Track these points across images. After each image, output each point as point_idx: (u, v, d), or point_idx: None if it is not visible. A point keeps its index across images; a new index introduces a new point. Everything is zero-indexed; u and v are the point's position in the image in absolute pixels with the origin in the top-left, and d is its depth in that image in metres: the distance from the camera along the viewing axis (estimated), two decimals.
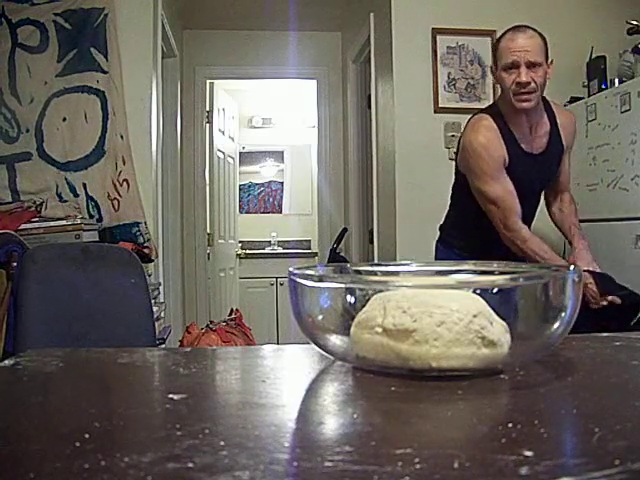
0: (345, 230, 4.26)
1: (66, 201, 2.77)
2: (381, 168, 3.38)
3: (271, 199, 6.10)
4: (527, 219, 2.03)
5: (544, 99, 1.99)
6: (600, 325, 1.76)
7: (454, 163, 2.17)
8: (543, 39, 1.90)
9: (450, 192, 2.26)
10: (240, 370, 0.72)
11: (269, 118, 6.05)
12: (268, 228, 5.88)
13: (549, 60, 1.90)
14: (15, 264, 1.96)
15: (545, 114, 1.98)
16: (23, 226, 2.47)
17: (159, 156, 3.22)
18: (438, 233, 2.31)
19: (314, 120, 4.98)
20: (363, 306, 0.65)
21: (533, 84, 1.85)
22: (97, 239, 2.67)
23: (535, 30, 1.91)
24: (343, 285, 0.68)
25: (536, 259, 1.97)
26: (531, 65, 1.85)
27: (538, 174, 1.99)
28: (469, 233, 2.15)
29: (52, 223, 2.55)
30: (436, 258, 2.21)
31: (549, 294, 0.63)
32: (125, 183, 2.80)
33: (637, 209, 2.76)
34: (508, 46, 1.87)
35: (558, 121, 1.99)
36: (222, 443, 0.42)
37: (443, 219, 2.31)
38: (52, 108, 2.79)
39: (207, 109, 4.59)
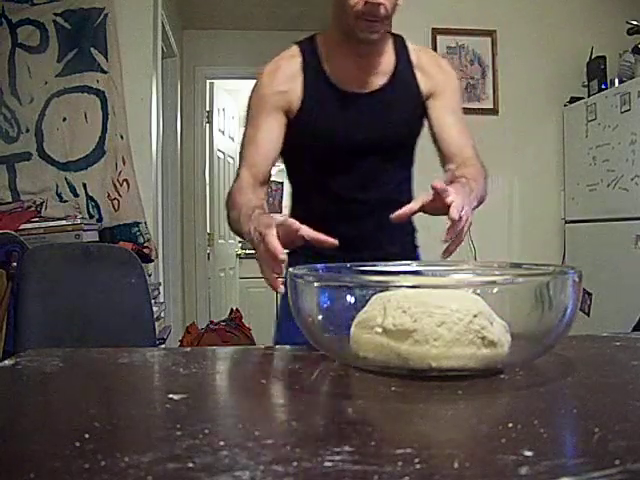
0: None
1: (66, 201, 2.77)
2: None
3: (271, 199, 6.09)
4: (369, 189, 1.39)
5: (394, 36, 1.44)
6: None
7: None
8: None
9: None
10: (240, 370, 0.72)
11: None
12: None
13: None
14: (15, 264, 1.96)
15: (387, 51, 1.40)
16: (23, 226, 2.47)
17: (159, 156, 3.22)
18: None
19: None
20: (363, 306, 0.65)
21: (384, 9, 1.31)
22: (97, 239, 2.67)
23: None
24: (343, 285, 0.68)
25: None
26: None
27: (367, 119, 1.36)
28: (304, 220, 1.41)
29: (52, 223, 2.55)
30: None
31: (549, 294, 0.63)
32: (125, 183, 2.80)
33: (637, 209, 2.76)
34: None
35: (414, 61, 1.41)
36: (222, 443, 0.42)
37: None
38: (52, 108, 2.79)
39: (207, 109, 4.59)
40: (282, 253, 0.95)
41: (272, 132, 1.34)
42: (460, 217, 1.00)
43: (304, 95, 1.34)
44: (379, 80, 1.38)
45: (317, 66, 1.37)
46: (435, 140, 1.41)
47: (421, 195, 1.05)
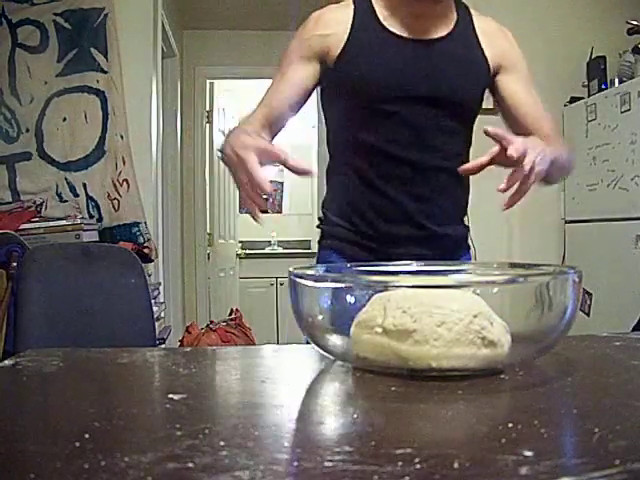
0: None
1: (66, 201, 2.77)
2: None
3: (271, 199, 6.10)
4: (421, 149, 1.22)
5: (457, 2, 1.29)
6: None
7: None
8: None
9: None
10: (240, 370, 0.72)
11: None
12: (268, 228, 5.89)
13: None
14: (15, 264, 1.96)
15: (449, 12, 1.26)
16: (23, 226, 2.47)
17: (159, 156, 3.22)
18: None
19: (314, 120, 4.98)
20: (363, 306, 0.65)
21: None
22: (97, 239, 2.67)
23: None
24: (343, 285, 0.68)
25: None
26: None
27: (423, 66, 1.20)
28: (352, 200, 1.27)
29: (52, 223, 2.55)
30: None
31: (549, 294, 0.63)
32: (125, 183, 2.80)
33: (637, 209, 2.76)
34: None
35: (477, 25, 1.27)
36: (222, 443, 0.42)
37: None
38: (52, 108, 2.79)
39: (207, 109, 4.59)
40: (267, 184, 0.90)
41: (297, 77, 1.21)
42: (522, 158, 0.90)
43: (349, 38, 1.20)
44: (439, 31, 1.23)
45: (370, 13, 1.23)
46: (508, 119, 1.27)
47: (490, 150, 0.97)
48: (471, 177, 1.24)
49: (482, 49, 1.25)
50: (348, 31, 1.20)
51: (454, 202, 1.32)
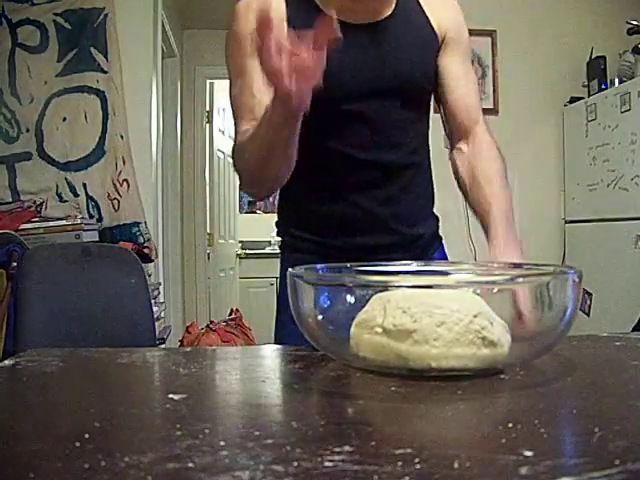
0: None
1: (66, 201, 2.77)
2: None
3: (271, 199, 6.10)
4: (383, 147, 1.13)
5: None
6: None
7: None
8: None
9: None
10: (240, 370, 0.72)
11: None
12: (268, 228, 5.88)
13: None
14: (15, 264, 1.96)
15: None
16: (23, 226, 2.47)
17: (159, 156, 3.22)
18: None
19: None
20: (363, 306, 0.65)
21: None
22: (97, 239, 2.67)
23: None
24: (343, 285, 0.68)
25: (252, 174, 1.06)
26: None
27: (371, 53, 1.11)
28: (318, 212, 1.17)
29: (52, 223, 2.55)
30: (281, 277, 1.16)
31: (549, 294, 0.63)
32: (125, 183, 2.80)
33: (637, 209, 2.76)
34: None
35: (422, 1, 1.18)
36: (222, 443, 0.42)
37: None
38: (52, 108, 2.79)
39: (207, 109, 4.59)
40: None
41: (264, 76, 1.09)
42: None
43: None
44: (383, 11, 1.14)
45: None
46: (438, 99, 1.21)
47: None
48: None
49: (429, 20, 1.17)
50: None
51: (422, 197, 1.24)
